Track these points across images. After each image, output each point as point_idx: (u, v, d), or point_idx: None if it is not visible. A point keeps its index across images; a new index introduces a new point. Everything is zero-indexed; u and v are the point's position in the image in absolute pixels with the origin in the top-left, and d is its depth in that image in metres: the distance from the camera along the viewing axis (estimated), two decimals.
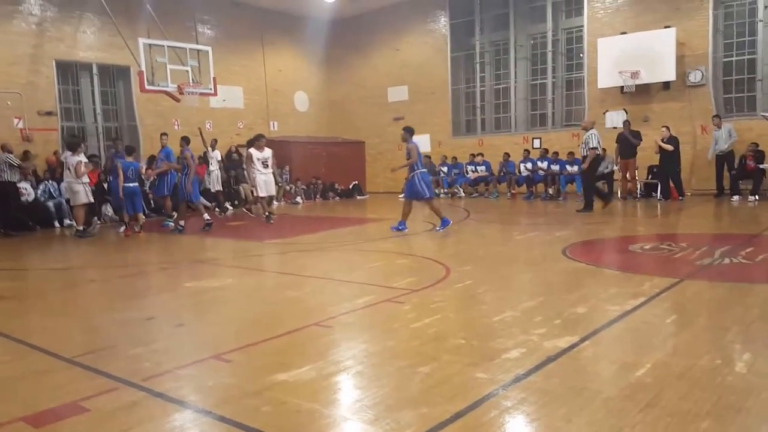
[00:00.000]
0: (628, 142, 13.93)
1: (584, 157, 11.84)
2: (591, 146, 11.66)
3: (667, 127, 13.77)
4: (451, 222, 9.79)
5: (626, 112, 15.12)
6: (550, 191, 15.37)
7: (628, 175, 14.24)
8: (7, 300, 6.08)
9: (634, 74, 14.81)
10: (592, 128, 12.00)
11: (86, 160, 11.22)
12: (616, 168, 14.54)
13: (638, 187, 14.59)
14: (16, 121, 13.55)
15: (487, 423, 2.83)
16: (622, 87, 15.32)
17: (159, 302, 5.82)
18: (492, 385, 3.25)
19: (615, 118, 15.34)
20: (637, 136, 14.02)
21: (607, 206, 12.12)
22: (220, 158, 15.03)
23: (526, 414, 2.89)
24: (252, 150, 11.51)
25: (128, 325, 4.88)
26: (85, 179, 10.98)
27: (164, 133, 12.33)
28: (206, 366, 3.75)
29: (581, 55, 16.50)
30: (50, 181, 12.84)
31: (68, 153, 11.09)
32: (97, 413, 3.06)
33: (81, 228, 10.75)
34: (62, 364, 3.90)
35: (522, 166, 16.25)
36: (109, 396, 3.29)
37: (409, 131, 9.70)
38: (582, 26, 16.30)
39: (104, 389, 3.38)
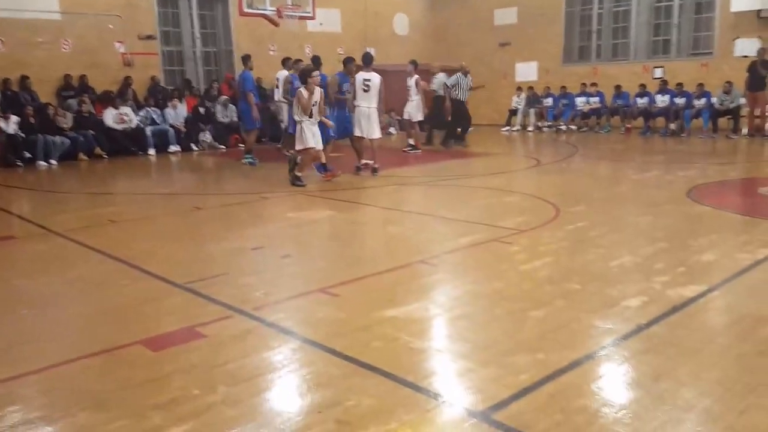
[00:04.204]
0: (757, 73, 12.79)
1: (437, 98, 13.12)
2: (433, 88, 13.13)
3: None
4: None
5: (761, 40, 13.80)
6: (672, 126, 14.44)
7: (757, 111, 13.14)
8: (117, 224, 6.53)
9: None
10: (439, 73, 13.39)
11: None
12: (743, 102, 13.45)
13: None
14: (117, 45, 14.20)
15: (608, 374, 2.83)
16: (759, 11, 13.90)
17: (263, 232, 6.10)
18: (612, 334, 3.22)
19: (746, 46, 14.05)
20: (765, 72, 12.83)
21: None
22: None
23: (649, 367, 2.85)
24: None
25: (236, 254, 5.17)
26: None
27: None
28: (314, 298, 3.93)
29: None
30: (153, 108, 13.47)
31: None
32: (214, 339, 3.30)
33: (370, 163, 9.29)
34: (176, 290, 4.18)
35: (637, 100, 15.29)
36: (224, 323, 3.53)
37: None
38: None
39: (219, 316, 3.62)
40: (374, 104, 9.28)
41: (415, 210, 6.88)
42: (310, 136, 8.26)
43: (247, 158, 10.88)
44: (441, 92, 13.09)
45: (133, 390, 2.75)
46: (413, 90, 12.23)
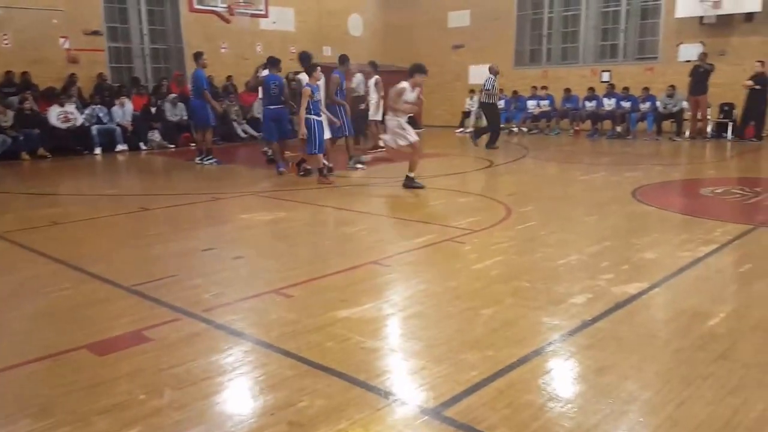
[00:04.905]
0: (700, 77, 13.34)
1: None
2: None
3: (761, 62, 13.04)
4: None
5: (703, 45, 14.42)
6: (618, 129, 14.91)
7: (698, 114, 13.71)
8: (61, 226, 6.33)
9: (716, 3, 13.97)
10: (357, 73, 12.71)
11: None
12: (685, 105, 14.01)
13: (709, 126, 14.08)
14: (62, 41, 13.79)
15: (554, 369, 2.90)
16: (701, 17, 14.54)
17: (214, 234, 6.00)
18: (558, 330, 3.31)
19: (690, 52, 14.67)
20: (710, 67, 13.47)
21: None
22: None
23: (594, 361, 2.95)
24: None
25: (186, 256, 5.09)
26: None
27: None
28: (267, 300, 3.91)
29: None
30: (99, 106, 13.12)
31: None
32: (162, 342, 3.24)
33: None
34: (122, 292, 4.09)
35: (586, 103, 15.72)
36: (172, 326, 3.46)
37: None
38: None
39: (166, 319, 3.56)
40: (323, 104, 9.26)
41: (369, 211, 6.91)
42: (411, 131, 8.08)
43: (208, 159, 10.75)
44: (360, 92, 12.98)
45: (77, 395, 2.69)
46: (372, 89, 12.27)
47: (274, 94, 9.53)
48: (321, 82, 9.18)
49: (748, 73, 13.22)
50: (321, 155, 8.63)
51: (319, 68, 8.73)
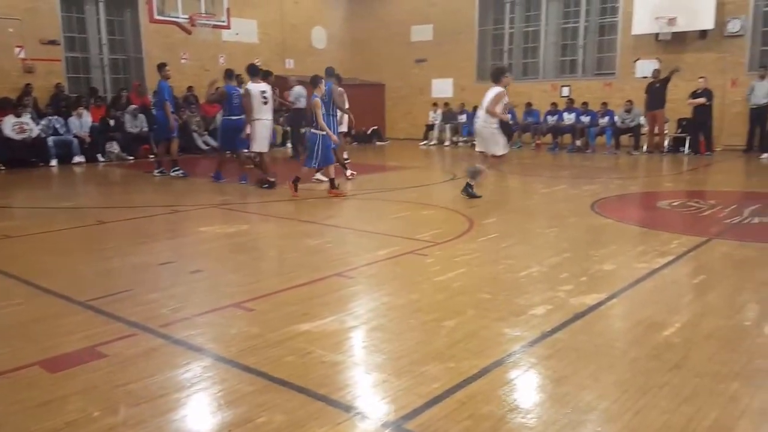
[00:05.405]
0: (655, 93, 13.75)
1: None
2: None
3: (704, 78, 13.58)
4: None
5: (659, 61, 14.88)
6: (578, 143, 15.23)
7: (656, 129, 14.11)
8: (13, 240, 6.15)
9: (671, 21, 14.45)
10: (297, 86, 13.07)
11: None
12: (642, 121, 14.40)
13: (666, 141, 14.49)
14: (17, 50, 13.47)
15: (514, 379, 2.93)
16: (657, 34, 15.02)
17: (173, 247, 5.92)
18: (519, 341, 3.35)
19: (646, 67, 15.10)
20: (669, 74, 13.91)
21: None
22: None
23: (553, 371, 2.98)
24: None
25: (143, 270, 4.99)
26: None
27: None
28: (227, 314, 3.86)
29: None
30: (55, 117, 12.82)
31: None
32: (116, 359, 3.16)
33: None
34: (76, 308, 3.99)
35: (548, 117, 16.03)
36: (127, 341, 3.39)
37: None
38: None
39: (121, 334, 3.48)
40: (271, 116, 9.24)
41: (332, 223, 6.89)
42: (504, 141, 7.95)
43: (175, 171, 10.61)
44: (299, 105, 13.06)
45: (29, 413, 2.61)
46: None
47: (236, 105, 9.55)
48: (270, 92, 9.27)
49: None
50: (323, 168, 8.59)
51: (323, 80, 8.60)
